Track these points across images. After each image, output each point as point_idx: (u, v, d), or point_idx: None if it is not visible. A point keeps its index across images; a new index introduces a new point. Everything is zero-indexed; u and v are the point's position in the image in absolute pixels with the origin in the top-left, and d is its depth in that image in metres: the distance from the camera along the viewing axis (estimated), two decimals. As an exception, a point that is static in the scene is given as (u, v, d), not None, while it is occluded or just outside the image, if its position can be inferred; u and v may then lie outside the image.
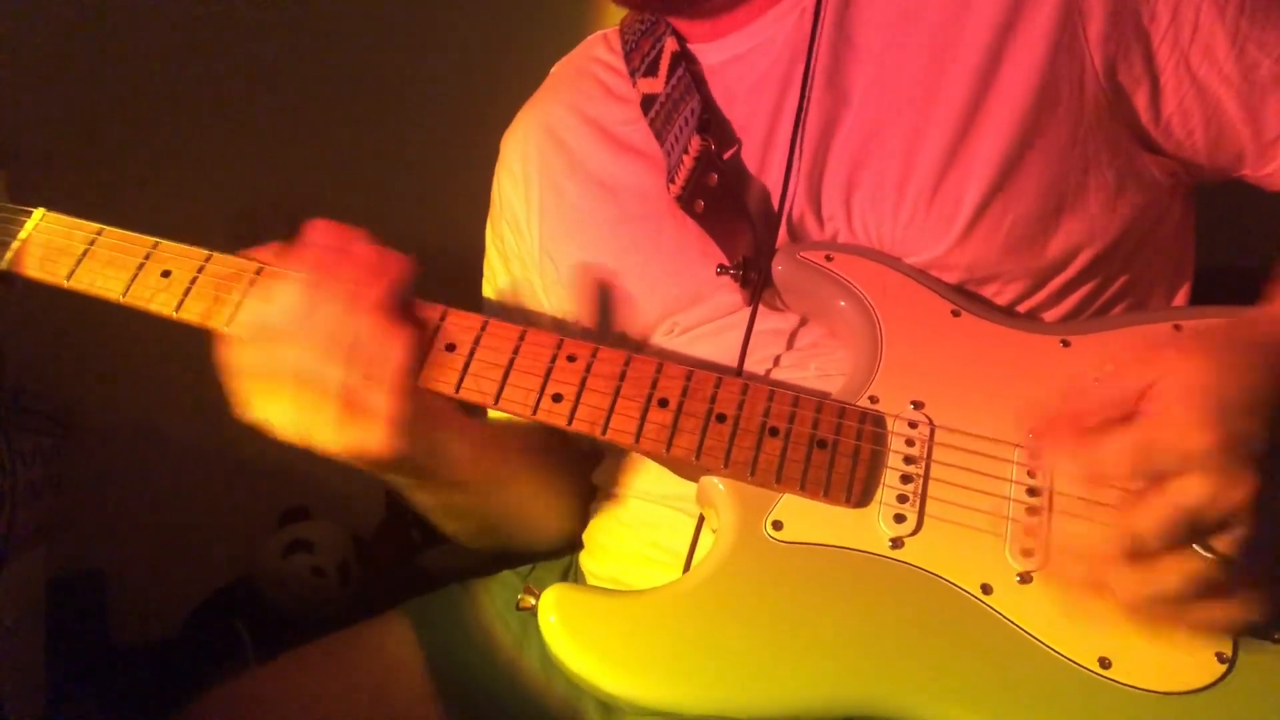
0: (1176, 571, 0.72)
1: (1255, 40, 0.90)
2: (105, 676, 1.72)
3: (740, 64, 1.05)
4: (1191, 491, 0.70)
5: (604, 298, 1.07)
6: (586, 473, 1.16)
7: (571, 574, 1.16)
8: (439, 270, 1.25)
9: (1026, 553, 0.81)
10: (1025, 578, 0.81)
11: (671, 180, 1.01)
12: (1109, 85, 0.92)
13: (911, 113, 0.94)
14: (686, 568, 0.91)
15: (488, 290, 1.23)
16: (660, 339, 1.04)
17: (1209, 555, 0.71)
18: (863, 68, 0.98)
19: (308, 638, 1.14)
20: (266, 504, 1.99)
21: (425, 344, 0.88)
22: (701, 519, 0.92)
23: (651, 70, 1.08)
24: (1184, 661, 0.78)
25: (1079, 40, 0.91)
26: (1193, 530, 0.71)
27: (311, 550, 1.91)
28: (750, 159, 1.01)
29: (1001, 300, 0.94)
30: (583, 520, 1.16)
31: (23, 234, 0.94)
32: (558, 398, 0.87)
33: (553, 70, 1.24)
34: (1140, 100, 0.93)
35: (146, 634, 1.88)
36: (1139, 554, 0.72)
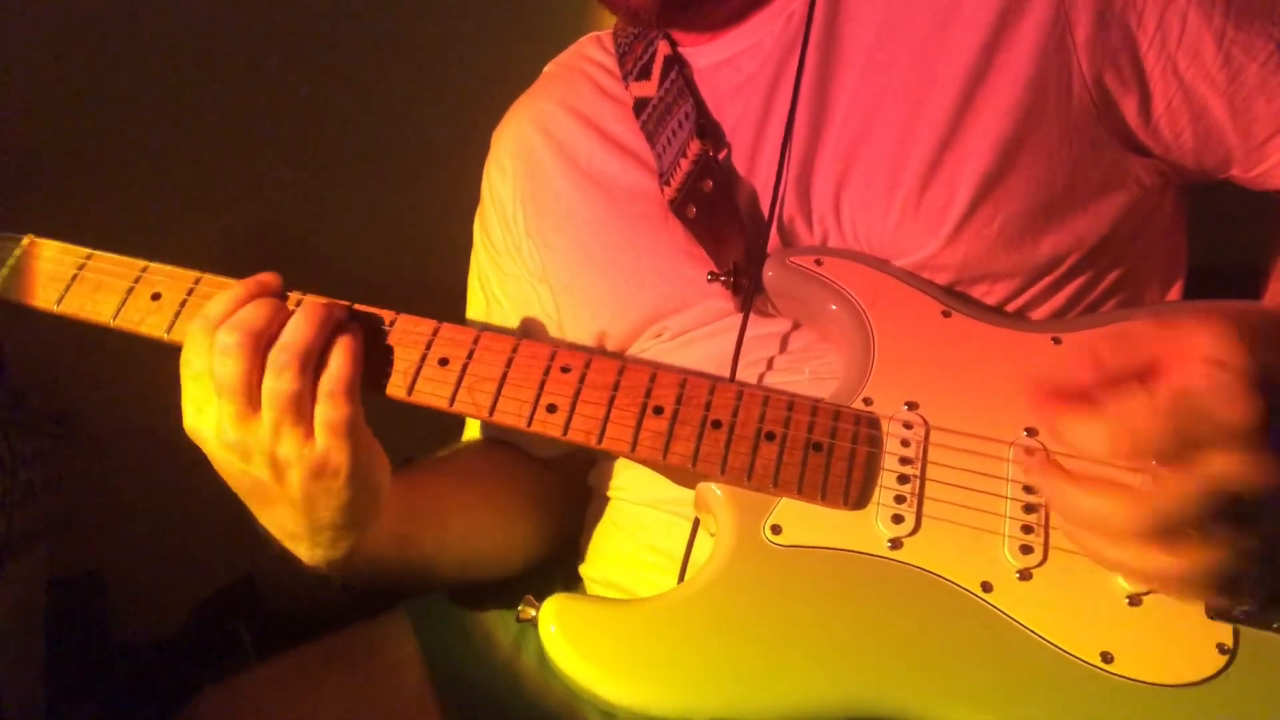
0: (1202, 556, 0.68)
1: (1241, 44, 0.90)
2: (105, 676, 1.72)
3: (727, 68, 1.04)
4: (1235, 468, 0.65)
5: (590, 295, 1.06)
6: (551, 485, 1.16)
7: (570, 581, 1.16)
8: (430, 275, 1.25)
9: (1026, 549, 0.81)
10: (1025, 574, 0.81)
11: (666, 183, 1.01)
12: (1096, 90, 0.92)
13: (899, 115, 0.94)
14: (682, 573, 0.91)
15: (473, 285, 1.23)
16: (649, 343, 1.04)
17: (1236, 541, 0.68)
18: (850, 71, 0.97)
19: (307, 638, 1.14)
20: (267, 504, 1.98)
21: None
22: (696, 524, 0.92)
23: (644, 73, 1.08)
24: (1186, 654, 0.78)
25: (1066, 45, 0.91)
26: (1229, 511, 0.66)
27: (312, 549, 1.90)
28: (739, 163, 1.01)
29: (992, 299, 0.94)
30: (556, 532, 1.17)
31: (11, 260, 0.95)
32: (552, 408, 0.87)
33: (545, 70, 1.23)
34: (1128, 104, 0.93)
35: (146, 634, 1.88)
36: (1168, 533, 0.67)
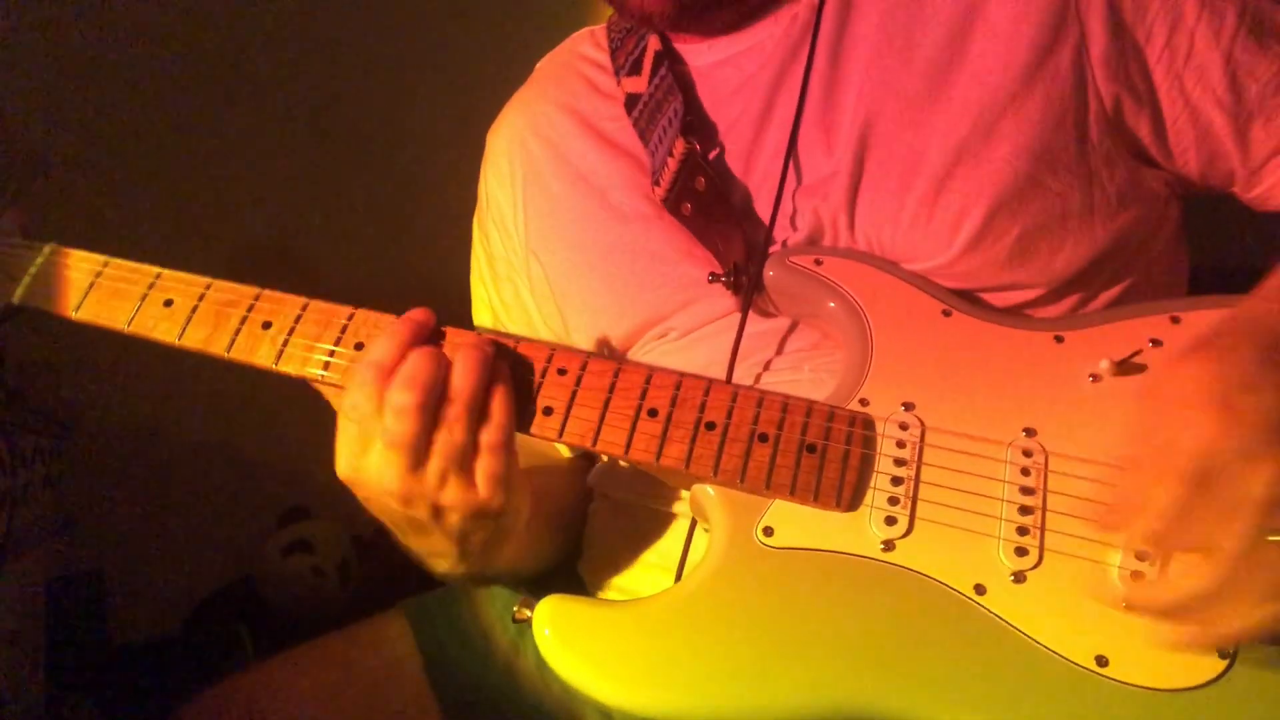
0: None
1: (1246, 67, 0.92)
2: (105, 676, 1.72)
3: (728, 66, 1.04)
4: (1253, 482, 0.67)
5: (589, 298, 1.06)
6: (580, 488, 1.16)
7: (565, 580, 1.16)
8: (436, 279, 1.25)
9: (1020, 551, 0.81)
10: (1019, 577, 0.81)
11: (656, 182, 1.00)
12: (1113, 106, 0.92)
13: (910, 121, 0.94)
14: (679, 574, 0.91)
15: (475, 286, 1.23)
16: (651, 343, 1.04)
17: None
18: (858, 74, 0.97)
19: (308, 638, 1.14)
20: (266, 504, 1.99)
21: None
22: (693, 525, 0.92)
23: (635, 69, 1.07)
24: (1184, 658, 0.77)
25: (1083, 62, 0.92)
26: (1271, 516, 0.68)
27: (311, 550, 1.91)
28: (734, 162, 1.00)
29: (1001, 305, 0.94)
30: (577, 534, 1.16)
31: (33, 269, 0.97)
32: (548, 411, 0.87)
33: (538, 66, 1.22)
34: (1142, 120, 0.94)
35: (146, 634, 1.88)
36: (1239, 575, 0.69)
